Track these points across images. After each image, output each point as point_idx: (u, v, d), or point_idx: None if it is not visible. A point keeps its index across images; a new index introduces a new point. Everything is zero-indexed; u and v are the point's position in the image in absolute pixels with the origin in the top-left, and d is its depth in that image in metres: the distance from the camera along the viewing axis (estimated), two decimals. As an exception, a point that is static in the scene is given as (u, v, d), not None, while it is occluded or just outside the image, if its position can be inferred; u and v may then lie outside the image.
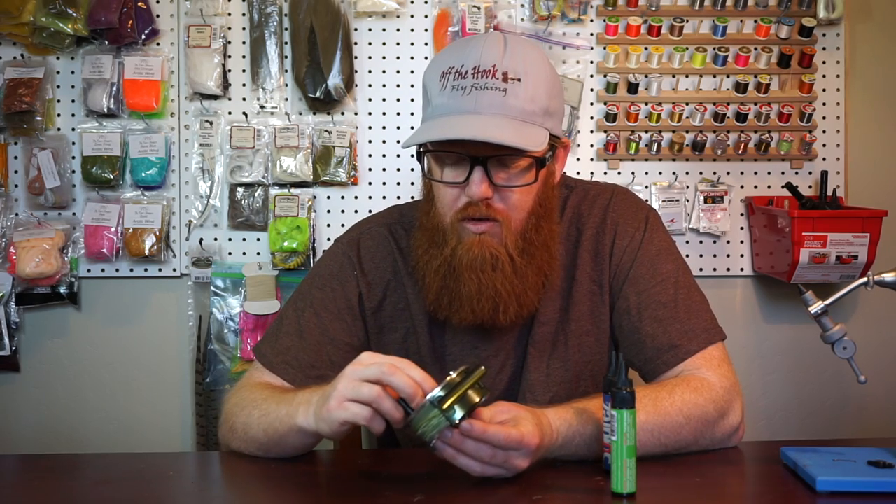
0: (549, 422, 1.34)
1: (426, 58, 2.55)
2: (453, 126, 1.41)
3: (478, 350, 1.59)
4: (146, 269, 2.54)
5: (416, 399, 1.24)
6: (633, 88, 2.53)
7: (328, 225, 2.54)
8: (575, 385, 1.58)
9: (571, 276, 1.59)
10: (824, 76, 2.57)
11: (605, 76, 2.54)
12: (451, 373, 1.25)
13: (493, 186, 1.43)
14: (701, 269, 2.56)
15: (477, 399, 1.24)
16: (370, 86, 2.55)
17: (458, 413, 1.22)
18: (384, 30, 2.55)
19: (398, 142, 2.55)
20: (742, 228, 2.59)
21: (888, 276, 1.40)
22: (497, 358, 1.59)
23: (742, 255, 2.59)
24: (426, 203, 1.54)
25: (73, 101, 2.53)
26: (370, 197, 2.55)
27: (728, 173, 2.58)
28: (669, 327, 1.52)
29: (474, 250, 1.45)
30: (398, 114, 2.56)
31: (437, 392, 1.23)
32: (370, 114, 2.55)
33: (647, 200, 2.54)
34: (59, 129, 2.53)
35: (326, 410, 1.30)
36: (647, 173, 2.57)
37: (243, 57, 2.54)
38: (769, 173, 2.58)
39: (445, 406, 1.22)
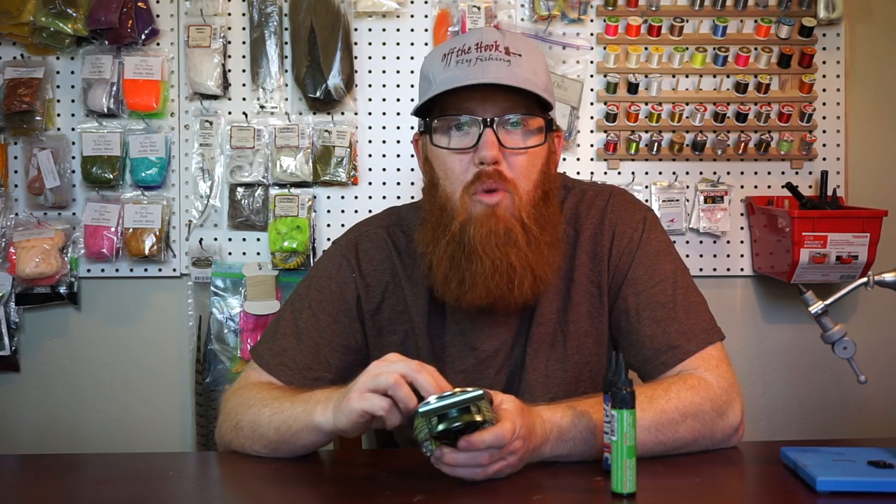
0: (542, 415, 1.35)
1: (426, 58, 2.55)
2: (464, 83, 1.44)
3: (476, 352, 1.58)
4: (146, 269, 2.54)
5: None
6: (633, 88, 2.53)
7: (328, 225, 2.54)
8: (574, 386, 1.58)
9: (570, 277, 1.59)
10: (824, 76, 2.57)
11: (605, 76, 2.54)
12: (468, 389, 1.25)
13: (502, 150, 1.44)
14: (701, 269, 2.56)
15: (462, 417, 1.24)
16: (370, 86, 2.55)
17: (439, 426, 1.23)
18: (384, 30, 2.55)
19: (398, 142, 2.55)
20: (742, 228, 2.59)
21: (888, 276, 1.40)
22: (496, 359, 1.59)
23: (742, 255, 2.59)
24: (431, 188, 1.53)
25: (73, 101, 2.53)
26: (370, 197, 2.55)
27: (728, 173, 2.58)
28: (668, 328, 1.51)
29: (489, 223, 1.45)
30: (398, 114, 2.56)
31: (430, 400, 1.24)
32: (370, 114, 2.55)
33: (646, 201, 2.55)
34: (59, 129, 2.53)
35: (347, 401, 1.31)
36: (647, 173, 2.57)
37: (243, 57, 2.54)
38: (769, 173, 2.58)
39: (431, 415, 1.24)
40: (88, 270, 2.54)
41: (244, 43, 2.54)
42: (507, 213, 1.46)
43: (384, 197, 2.55)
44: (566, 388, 1.57)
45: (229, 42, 2.54)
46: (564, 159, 2.55)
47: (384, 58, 2.55)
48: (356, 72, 2.53)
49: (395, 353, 1.33)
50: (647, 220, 1.61)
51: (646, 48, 2.55)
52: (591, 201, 1.62)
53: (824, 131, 2.58)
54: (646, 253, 1.57)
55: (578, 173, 2.55)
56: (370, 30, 2.55)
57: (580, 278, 1.58)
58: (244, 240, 2.55)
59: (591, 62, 2.56)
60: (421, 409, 1.24)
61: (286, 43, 2.52)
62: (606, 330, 1.59)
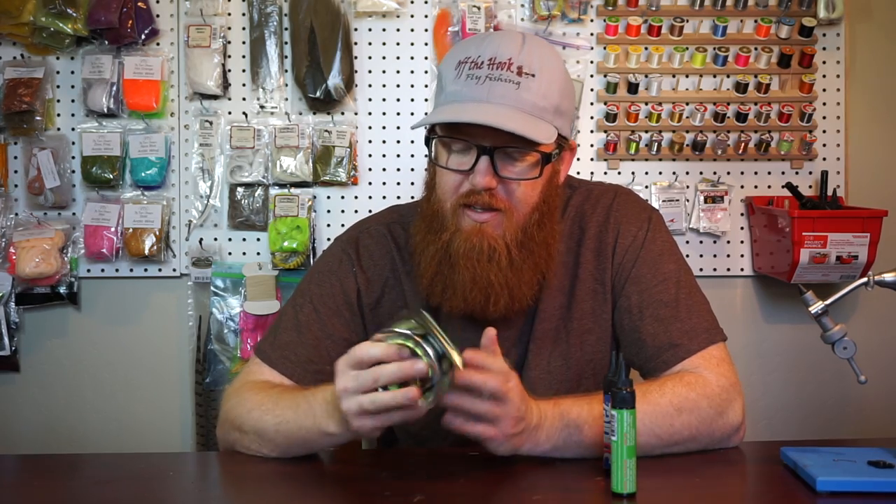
0: (534, 402, 1.38)
1: (426, 58, 2.55)
2: (464, 111, 1.43)
3: (476, 347, 1.58)
4: (146, 269, 2.54)
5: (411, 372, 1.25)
6: (633, 88, 2.53)
7: (328, 225, 2.54)
8: (576, 384, 1.58)
9: (574, 275, 1.59)
10: (824, 76, 2.57)
11: (605, 76, 2.54)
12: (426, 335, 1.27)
13: (497, 178, 1.45)
14: (701, 269, 2.56)
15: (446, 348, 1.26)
16: (370, 86, 2.55)
17: (457, 358, 1.26)
18: (384, 30, 2.55)
19: (398, 142, 2.55)
20: (742, 228, 2.59)
21: (888, 276, 1.40)
22: None
23: (742, 255, 2.59)
24: (427, 190, 1.55)
25: (73, 101, 2.53)
26: (370, 197, 2.55)
27: (728, 173, 2.58)
28: (670, 326, 1.52)
29: (472, 239, 1.46)
30: (398, 114, 2.56)
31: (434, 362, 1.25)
32: (370, 114, 2.55)
33: (647, 200, 2.55)
34: (58, 129, 2.53)
35: (356, 427, 1.31)
36: (647, 173, 2.57)
37: (243, 57, 2.54)
38: (769, 173, 2.58)
39: (444, 362, 1.25)
40: (88, 270, 2.54)
41: (244, 43, 2.54)
42: (494, 232, 1.47)
43: (384, 197, 2.55)
44: (568, 386, 1.57)
45: (229, 42, 2.54)
46: (564, 159, 2.55)
47: (384, 58, 2.55)
48: (356, 72, 2.53)
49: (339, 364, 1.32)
50: (652, 219, 1.62)
51: (646, 48, 2.54)
52: (596, 200, 1.63)
53: (824, 131, 2.58)
54: (650, 252, 1.58)
55: (578, 173, 2.54)
56: (370, 30, 2.55)
57: (584, 276, 1.59)
58: (244, 240, 2.55)
59: (591, 62, 2.56)
60: (439, 373, 1.25)
61: (286, 43, 2.52)
62: (609, 328, 1.60)
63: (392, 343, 1.26)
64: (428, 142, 1.52)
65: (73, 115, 2.53)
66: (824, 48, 2.57)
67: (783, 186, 2.49)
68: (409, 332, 1.27)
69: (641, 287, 1.56)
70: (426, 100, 2.53)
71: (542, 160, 1.47)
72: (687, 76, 2.56)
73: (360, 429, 1.31)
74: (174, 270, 2.55)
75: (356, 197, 2.55)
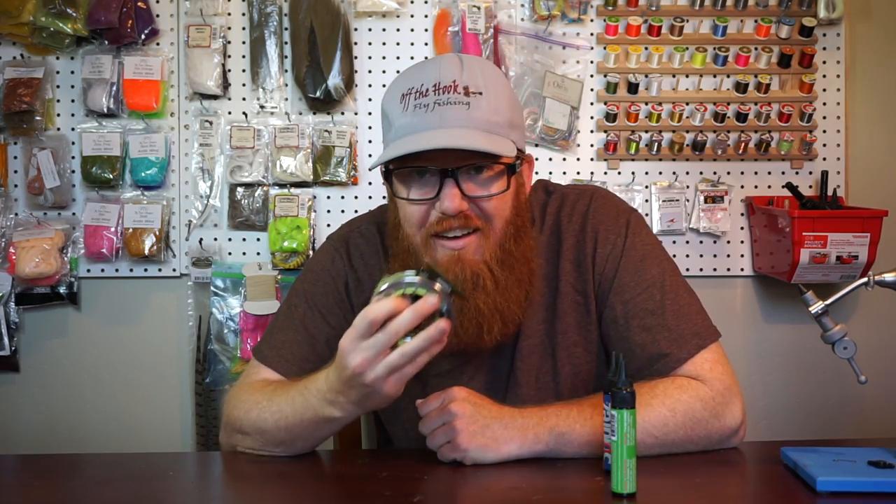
0: (517, 408, 1.41)
1: (426, 58, 2.54)
2: (420, 140, 1.40)
3: (454, 357, 1.55)
4: (146, 269, 2.54)
5: (424, 311, 1.25)
6: (633, 88, 2.53)
7: (328, 225, 2.54)
8: (568, 398, 1.55)
9: (555, 288, 1.56)
10: (824, 76, 2.57)
11: (605, 76, 2.54)
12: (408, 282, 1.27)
13: (466, 199, 1.42)
14: (701, 269, 2.56)
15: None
16: (370, 86, 2.55)
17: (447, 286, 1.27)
18: (384, 30, 2.55)
19: (398, 142, 2.55)
20: (742, 228, 2.59)
21: (888, 276, 1.40)
22: (472, 363, 1.56)
23: (742, 255, 2.59)
24: (394, 229, 1.52)
25: (72, 101, 2.53)
26: (370, 197, 2.55)
27: (728, 173, 2.58)
28: (658, 336, 1.49)
29: (455, 269, 1.43)
30: (398, 114, 2.55)
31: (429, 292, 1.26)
32: (370, 114, 2.55)
33: (646, 201, 2.55)
34: (58, 129, 2.53)
35: (377, 397, 1.32)
36: (647, 173, 2.57)
37: (243, 57, 2.54)
38: (769, 173, 2.58)
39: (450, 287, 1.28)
40: (88, 270, 2.54)
41: (244, 43, 2.54)
42: (474, 257, 1.44)
43: (384, 197, 2.54)
44: (559, 400, 1.55)
45: (229, 42, 2.54)
46: (564, 159, 2.56)
47: (384, 58, 2.55)
48: (356, 72, 2.53)
49: (347, 341, 1.31)
50: (631, 223, 1.57)
51: (646, 48, 2.54)
52: (572, 207, 1.59)
53: (824, 131, 2.58)
54: (631, 259, 1.54)
55: (578, 173, 2.55)
56: (370, 30, 2.55)
57: (565, 288, 1.56)
58: (244, 240, 2.55)
59: (591, 62, 2.56)
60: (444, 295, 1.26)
61: (286, 43, 2.52)
62: (596, 338, 1.57)
63: (395, 295, 1.26)
64: (387, 178, 1.49)
65: (73, 115, 2.53)
66: (824, 48, 2.57)
67: (783, 186, 2.49)
68: (398, 280, 1.27)
69: (626, 296, 1.52)
70: (426, 100, 2.53)
71: (507, 171, 1.45)
72: (687, 76, 2.56)
73: (390, 392, 1.30)
74: (174, 270, 2.55)
75: (356, 197, 2.55)
